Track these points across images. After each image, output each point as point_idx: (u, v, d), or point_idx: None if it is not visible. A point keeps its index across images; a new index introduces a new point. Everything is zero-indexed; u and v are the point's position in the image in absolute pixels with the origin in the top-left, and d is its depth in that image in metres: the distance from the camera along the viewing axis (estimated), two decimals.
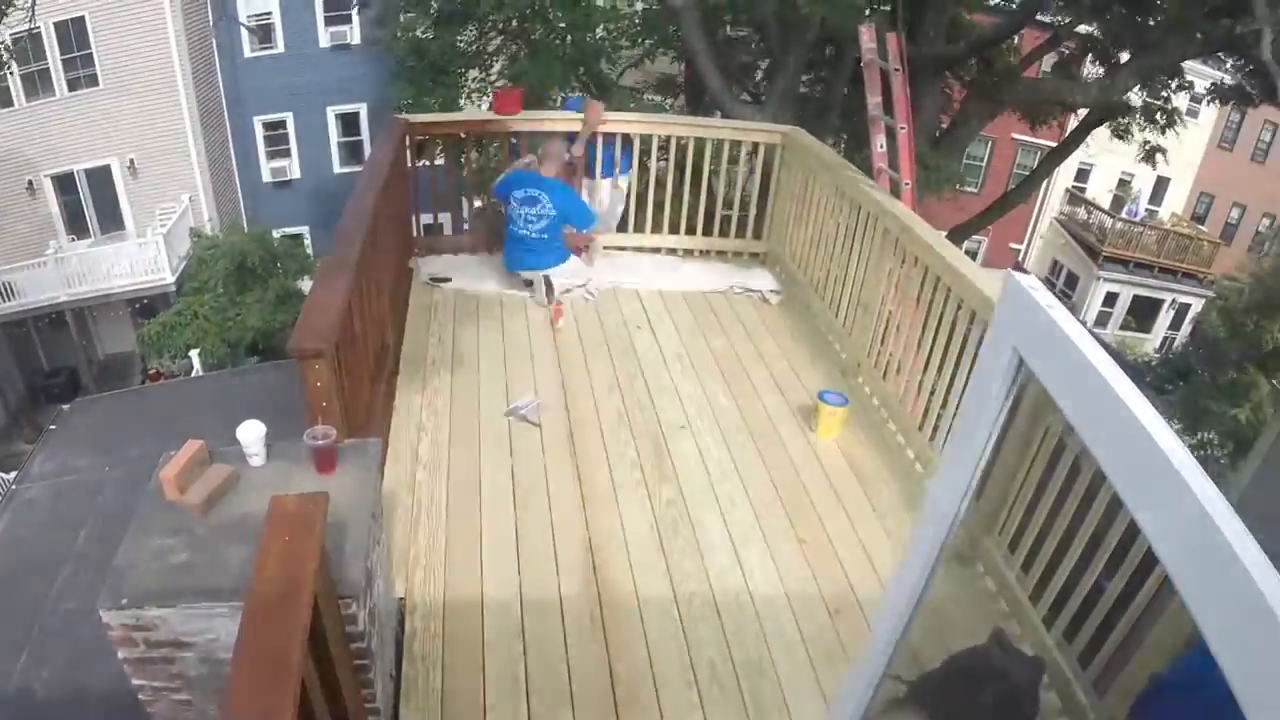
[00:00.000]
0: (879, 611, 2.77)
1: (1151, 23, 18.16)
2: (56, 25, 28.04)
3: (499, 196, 10.25)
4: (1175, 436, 1.52)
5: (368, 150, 30.62)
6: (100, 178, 30.77)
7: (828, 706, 5.08)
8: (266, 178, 35.48)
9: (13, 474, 14.28)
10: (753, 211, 11.58)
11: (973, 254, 42.16)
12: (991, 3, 22.88)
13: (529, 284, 10.23)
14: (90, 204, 31.08)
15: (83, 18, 28.41)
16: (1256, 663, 1.26)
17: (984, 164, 44.58)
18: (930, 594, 2.53)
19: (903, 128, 9.49)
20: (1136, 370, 31.85)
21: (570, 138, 10.80)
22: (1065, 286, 46.85)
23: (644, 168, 11.52)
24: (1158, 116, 22.52)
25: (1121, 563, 4.73)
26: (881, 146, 9.80)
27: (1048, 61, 22.01)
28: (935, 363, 7.20)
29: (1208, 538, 1.36)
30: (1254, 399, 24.62)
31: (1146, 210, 47.21)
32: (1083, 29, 19.76)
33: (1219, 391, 26.37)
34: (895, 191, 8.96)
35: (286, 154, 35.56)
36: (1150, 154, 22.97)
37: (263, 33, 33.32)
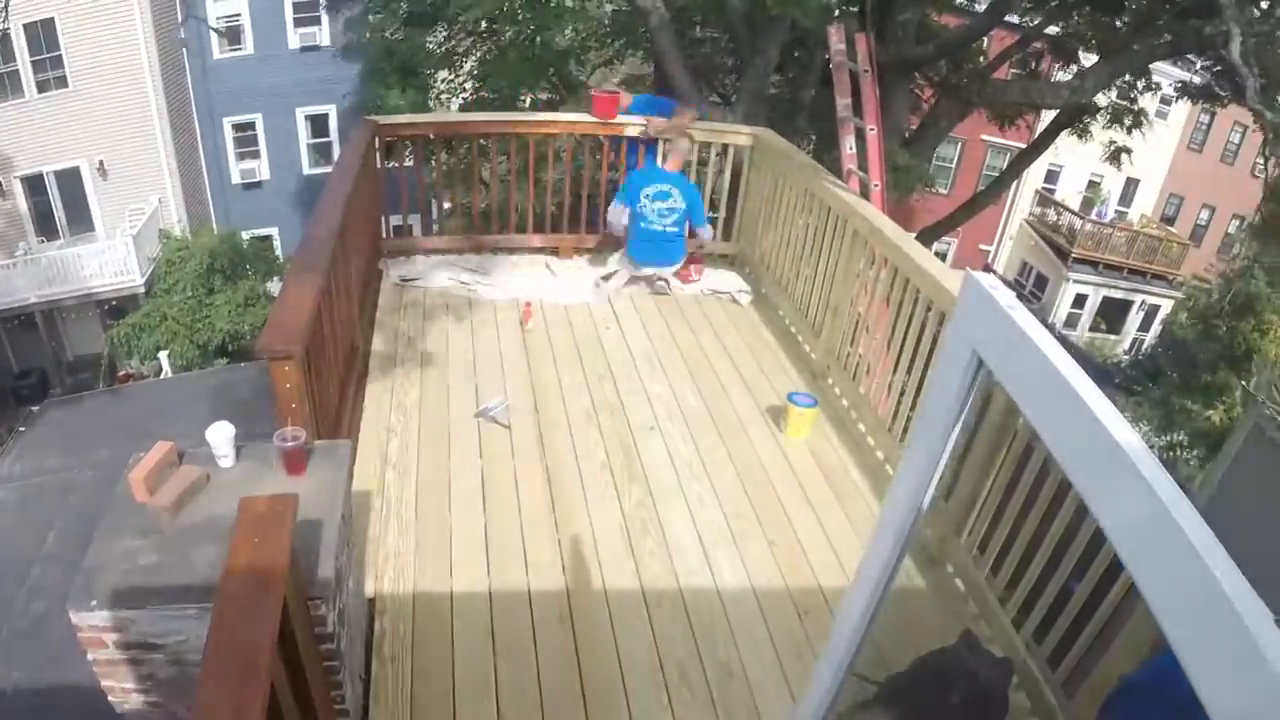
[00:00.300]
0: (841, 609, 2.78)
1: (1120, 24, 18.22)
2: (26, 27, 27.91)
3: (626, 203, 10.33)
4: (1136, 435, 1.52)
5: (337, 152, 30.58)
6: (70, 179, 30.63)
7: (794, 705, 5.10)
8: (236, 179, 35.35)
9: None
10: (722, 213, 11.58)
11: (942, 255, 42.29)
12: (959, 3, 22.93)
13: (604, 279, 10.64)
14: (60, 205, 30.92)
15: (52, 19, 28.30)
16: (1218, 662, 1.27)
17: (954, 165, 44.70)
18: (892, 590, 2.55)
19: (872, 129, 9.50)
20: (1105, 372, 31.96)
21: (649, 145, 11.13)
22: (1035, 288, 47.03)
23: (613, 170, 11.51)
24: (1124, 118, 22.61)
25: (1090, 564, 4.75)
26: (851, 148, 9.89)
27: (1017, 63, 21.99)
28: (904, 363, 7.23)
29: (1168, 536, 1.36)
30: (1226, 400, 24.74)
31: (1116, 211, 47.45)
32: (1052, 30, 19.79)
33: (1190, 393, 26.50)
34: (864, 193, 8.98)
35: (256, 155, 35.46)
36: (1115, 154, 23.03)
37: (232, 34, 33.25)
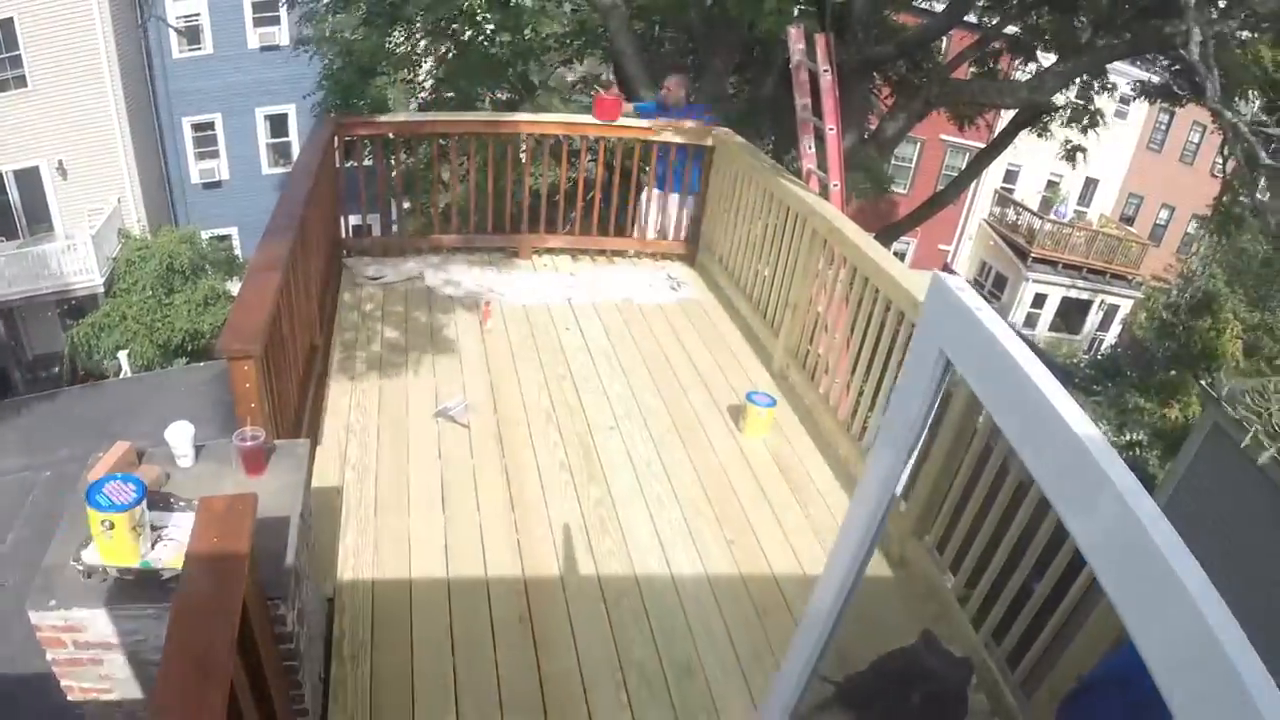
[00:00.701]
0: (806, 614, 2.79)
1: (1079, 23, 18.29)
2: None
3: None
4: (1102, 436, 1.54)
5: (297, 151, 30.57)
6: (29, 179, 30.46)
7: (755, 705, 5.11)
8: (195, 179, 35.23)
9: None
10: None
11: (902, 255, 42.47)
12: (917, 4, 23.00)
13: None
14: (19, 205, 30.76)
15: (11, 19, 28.16)
16: (1182, 659, 1.29)
17: (913, 165, 44.78)
18: (857, 592, 2.56)
19: (831, 129, 9.31)
20: (1065, 372, 32.07)
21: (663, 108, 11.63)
22: (994, 288, 47.17)
23: (572, 167, 11.49)
24: (1082, 117, 22.71)
25: (1049, 564, 4.78)
26: (810, 148, 9.69)
27: (976, 62, 22.05)
28: (864, 363, 7.26)
29: (1134, 536, 1.38)
30: (1183, 399, 24.86)
31: (1075, 211, 47.64)
32: (1011, 30, 19.86)
33: (1148, 392, 26.63)
34: (824, 193, 8.97)
35: (215, 155, 35.36)
36: (1071, 153, 23.13)
37: (191, 34, 33.13)
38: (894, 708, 4.92)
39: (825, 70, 9.37)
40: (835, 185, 9.08)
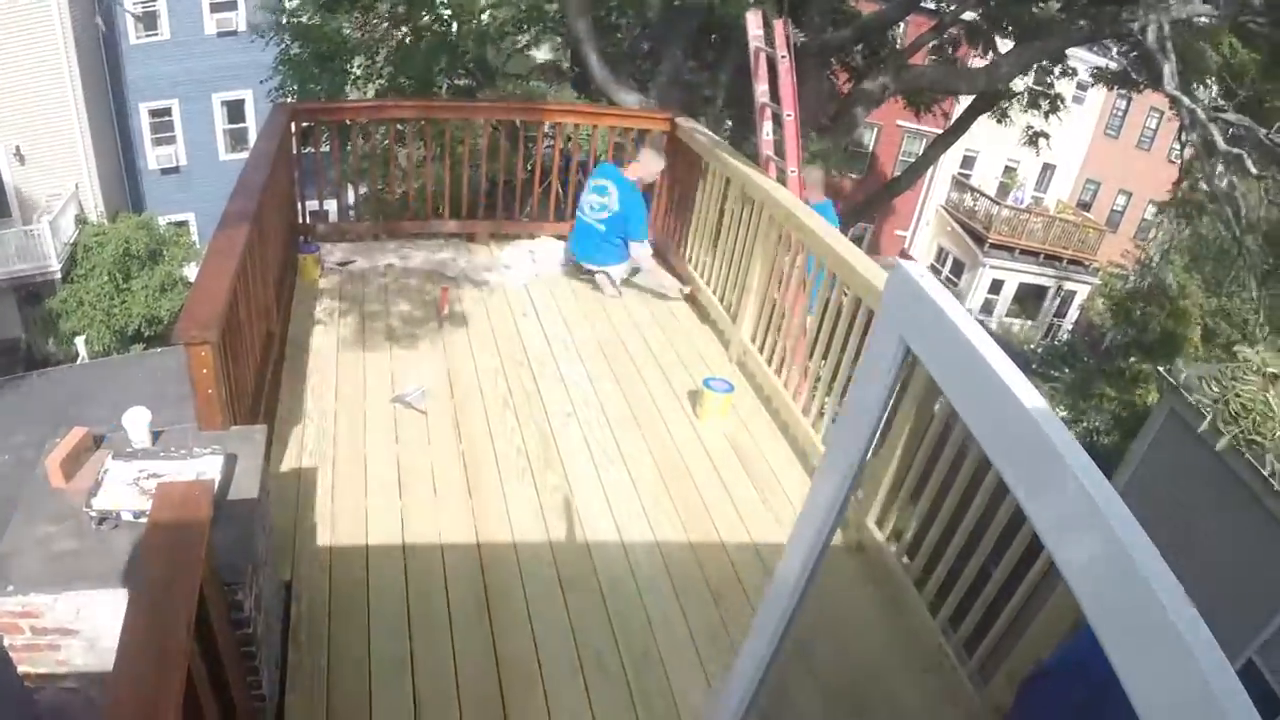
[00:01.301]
0: (764, 599, 2.80)
1: (1037, 9, 18.37)
2: None
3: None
4: (1060, 422, 1.55)
5: (254, 137, 30.50)
6: None
7: (711, 687, 5.13)
8: (152, 165, 35.15)
9: None
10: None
11: (859, 241, 42.44)
12: None
13: (589, 273, 10.45)
14: None
15: None
16: (1139, 643, 1.30)
17: (870, 151, 44.86)
18: (817, 581, 2.57)
19: (789, 115, 9.26)
20: (1023, 358, 32.20)
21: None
22: (951, 273, 47.36)
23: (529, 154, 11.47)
24: (1041, 102, 22.80)
25: (1007, 549, 4.81)
26: (769, 134, 9.70)
27: (934, 48, 22.11)
28: (821, 349, 7.28)
29: (1092, 523, 1.39)
30: (1142, 386, 24.98)
31: (1033, 197, 47.80)
32: (968, 16, 19.91)
33: (1105, 378, 26.77)
34: (781, 179, 8.97)
35: (172, 141, 35.29)
36: (1033, 138, 23.22)
37: (148, 19, 33.03)
38: None
39: (783, 56, 9.30)
40: (793, 171, 9.13)
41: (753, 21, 9.87)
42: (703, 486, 7.08)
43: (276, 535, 5.40)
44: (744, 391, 8.39)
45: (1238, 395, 14.15)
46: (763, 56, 9.74)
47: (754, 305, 8.65)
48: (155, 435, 4.54)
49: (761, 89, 9.77)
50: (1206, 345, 26.70)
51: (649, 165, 10.33)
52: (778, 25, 9.46)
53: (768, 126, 9.74)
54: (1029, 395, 1.61)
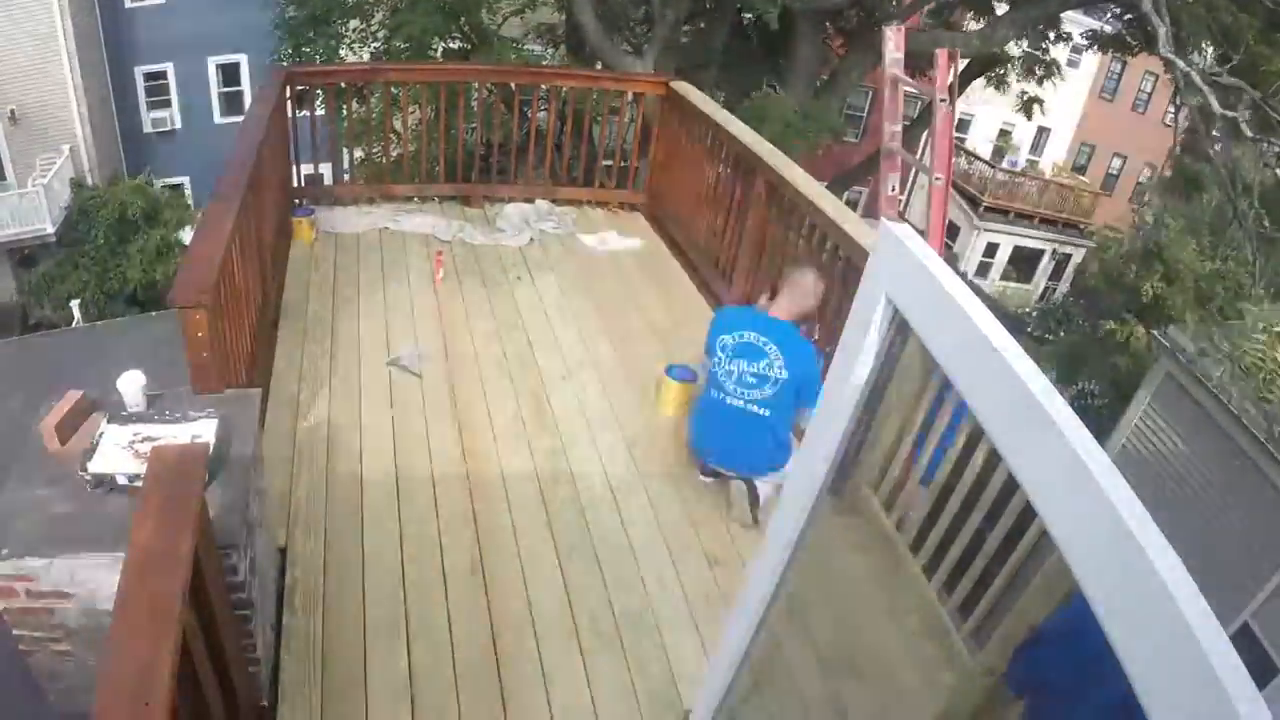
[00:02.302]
0: (754, 564, 2.80)
1: None
2: None
3: (707, 351, 6.61)
4: (1050, 385, 1.54)
5: (249, 101, 30.33)
6: None
7: (706, 653, 5.14)
8: (148, 128, 35.00)
9: None
10: (633, 162, 11.57)
11: (854, 204, 42.40)
12: None
13: (714, 475, 6.65)
14: None
15: None
16: (1131, 608, 1.29)
17: (865, 115, 44.72)
18: (807, 541, 2.57)
19: (938, 179, 7.20)
20: (1017, 321, 32.16)
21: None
22: (946, 236, 47.17)
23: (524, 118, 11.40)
24: (1036, 68, 22.79)
25: (1002, 514, 4.81)
26: (892, 189, 7.76)
27: (930, 12, 22.10)
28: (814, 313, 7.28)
29: (1084, 487, 1.38)
30: (1133, 349, 24.96)
31: (1027, 160, 47.73)
32: None
33: (1099, 342, 26.75)
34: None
35: (167, 104, 35.14)
36: (1028, 104, 23.22)
37: None
38: None
39: (943, 100, 7.12)
40: (932, 243, 6.41)
41: (892, 40, 7.60)
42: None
43: (271, 499, 5.40)
44: None
45: (1246, 353, 14.15)
46: (899, 88, 7.63)
47: (746, 264, 8.67)
48: (150, 399, 4.54)
49: (892, 130, 7.71)
50: (1202, 309, 26.68)
51: (805, 289, 6.43)
52: (941, 58, 7.31)
53: (892, 180, 7.78)
54: (1018, 358, 1.61)
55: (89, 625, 3.82)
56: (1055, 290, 45.31)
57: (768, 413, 6.10)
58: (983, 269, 46.07)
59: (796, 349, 6.12)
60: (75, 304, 28.08)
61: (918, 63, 22.25)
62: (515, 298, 9.14)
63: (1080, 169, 49.23)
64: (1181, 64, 13.82)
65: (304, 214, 9.89)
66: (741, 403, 6.13)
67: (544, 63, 20.56)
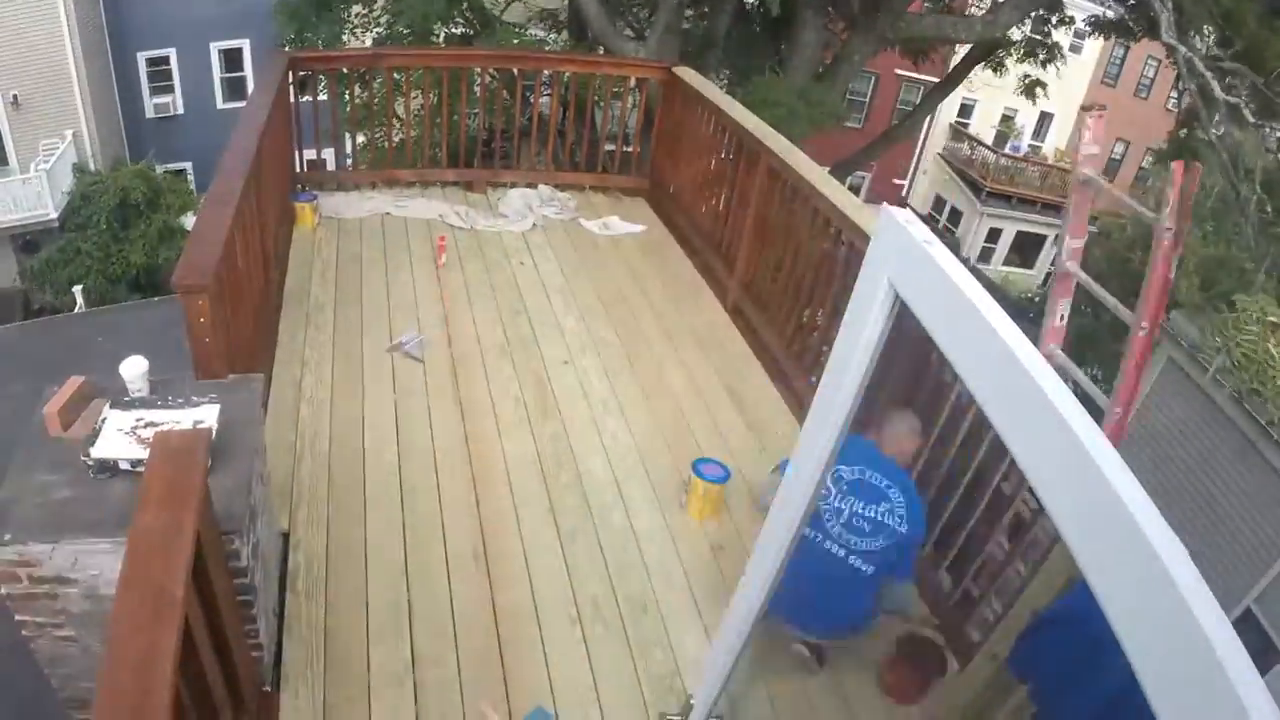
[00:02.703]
0: (756, 550, 2.80)
1: None
2: None
3: (778, 467, 5.75)
4: (1051, 370, 1.54)
5: (251, 86, 30.28)
6: None
7: (709, 640, 5.13)
8: (150, 113, 34.92)
9: None
10: (635, 147, 11.55)
11: (856, 189, 42.38)
12: None
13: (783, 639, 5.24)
14: None
15: None
16: (1132, 593, 1.29)
17: (867, 100, 44.66)
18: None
19: (1143, 329, 4.76)
20: (1019, 308, 32.12)
21: None
22: (949, 222, 47.17)
23: (527, 103, 11.39)
24: (1038, 51, 22.76)
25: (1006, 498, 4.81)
26: (1061, 319, 5.62)
27: None
28: (818, 299, 7.28)
29: (1085, 472, 1.38)
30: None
31: (1030, 145, 47.61)
32: None
33: (1099, 325, 26.72)
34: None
35: (170, 90, 35.07)
36: (1030, 88, 23.19)
37: None
38: None
39: (1169, 228, 4.46)
40: (1117, 411, 4.71)
41: (1092, 128, 5.07)
42: (701, 436, 7.10)
43: (274, 485, 5.41)
44: (737, 339, 8.46)
45: (1238, 345, 14.14)
46: (1086, 194, 5.15)
47: (750, 253, 8.66)
48: (153, 384, 4.53)
49: (1073, 245, 5.48)
50: (1204, 294, 26.62)
51: (902, 434, 5.38)
52: (1176, 171, 4.30)
53: (1064, 306, 5.57)
54: (1018, 342, 1.60)
55: (92, 610, 3.82)
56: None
57: (872, 570, 4.87)
58: (985, 254, 46.01)
59: (918, 505, 4.98)
60: (78, 289, 28.03)
61: (919, 46, 22.24)
62: (518, 283, 9.13)
63: None
64: (1183, 49, 13.80)
65: (306, 199, 9.87)
66: (843, 551, 4.86)
67: (546, 48, 20.52)
